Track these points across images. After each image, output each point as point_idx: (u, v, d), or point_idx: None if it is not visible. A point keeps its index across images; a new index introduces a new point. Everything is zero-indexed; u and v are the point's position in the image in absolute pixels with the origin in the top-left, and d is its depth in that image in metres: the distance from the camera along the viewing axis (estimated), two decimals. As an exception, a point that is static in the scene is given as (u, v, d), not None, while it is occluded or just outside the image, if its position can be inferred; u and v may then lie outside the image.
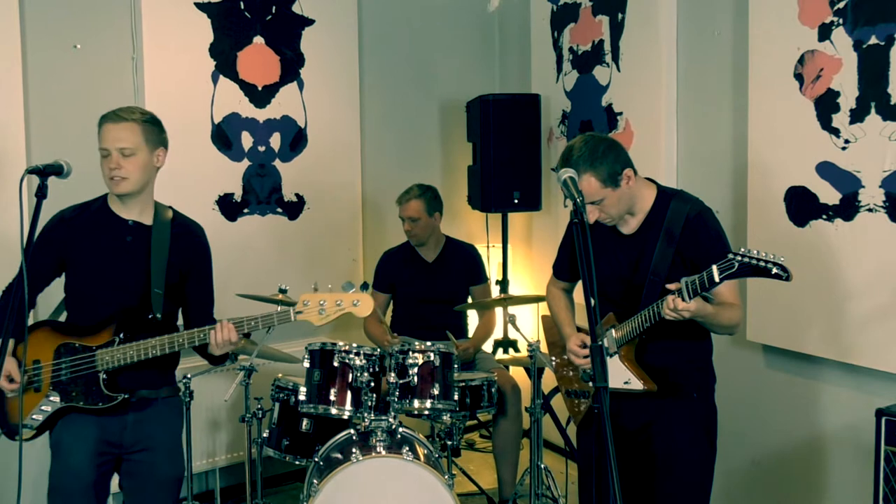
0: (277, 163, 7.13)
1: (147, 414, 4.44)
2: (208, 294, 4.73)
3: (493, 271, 7.93)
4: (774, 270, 3.60)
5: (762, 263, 3.60)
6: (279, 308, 4.37)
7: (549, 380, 6.44)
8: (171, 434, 4.59)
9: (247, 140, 6.96)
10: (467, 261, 6.98)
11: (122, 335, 4.29)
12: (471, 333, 6.99)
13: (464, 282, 6.94)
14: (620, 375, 4.24)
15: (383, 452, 5.06)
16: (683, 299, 3.79)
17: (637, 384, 4.25)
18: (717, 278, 3.68)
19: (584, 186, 4.04)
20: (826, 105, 5.11)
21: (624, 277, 4.32)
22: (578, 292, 4.39)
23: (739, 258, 3.63)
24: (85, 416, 4.31)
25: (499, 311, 7.16)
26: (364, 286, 4.44)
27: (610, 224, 4.29)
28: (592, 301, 3.38)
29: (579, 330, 4.63)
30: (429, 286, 6.83)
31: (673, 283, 3.88)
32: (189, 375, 5.76)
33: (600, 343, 3.33)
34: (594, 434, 3.61)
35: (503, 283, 7.81)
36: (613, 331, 4.30)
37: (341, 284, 4.38)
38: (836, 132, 5.06)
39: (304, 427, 5.60)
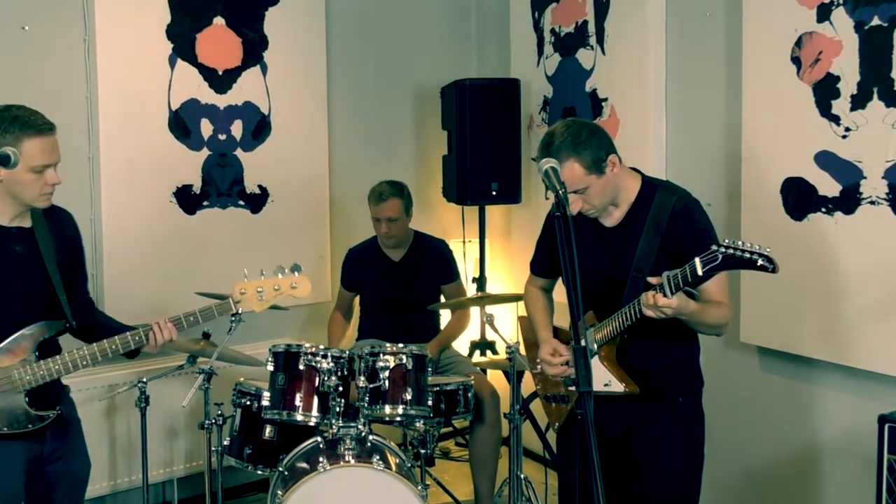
0: (239, 152, 7.07)
1: (61, 420, 4.37)
2: (85, 278, 4.68)
3: (469, 268, 7.89)
4: (760, 262, 3.56)
5: (747, 255, 3.56)
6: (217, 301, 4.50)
7: (528, 384, 6.40)
8: (80, 431, 4.58)
9: (206, 128, 6.90)
10: (437, 259, 6.91)
11: (37, 352, 4.20)
12: (444, 335, 6.93)
13: (434, 282, 6.88)
14: (601, 377, 4.20)
15: (352, 461, 5.05)
16: (665, 295, 3.74)
17: (618, 386, 4.21)
18: (700, 271, 3.63)
19: (566, 174, 3.98)
20: (825, 90, 5.09)
21: (605, 272, 4.28)
22: (559, 291, 4.37)
23: (723, 250, 3.59)
24: (6, 440, 4.21)
25: (475, 310, 7.12)
26: (295, 268, 4.56)
27: (593, 215, 4.25)
28: (575, 301, 3.34)
29: (558, 332, 4.60)
30: (396, 288, 6.77)
31: (655, 277, 3.84)
32: (145, 380, 5.73)
33: (584, 345, 3.30)
34: (576, 441, 3.56)
35: (480, 281, 7.76)
36: (593, 330, 4.25)
37: (273, 269, 4.51)
38: (835, 119, 5.04)
39: (267, 434, 5.58)
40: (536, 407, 6.44)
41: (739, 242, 3.59)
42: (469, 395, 5.88)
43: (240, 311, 4.51)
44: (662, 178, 4.44)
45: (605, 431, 4.23)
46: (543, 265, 4.77)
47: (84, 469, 4.58)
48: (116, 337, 4.31)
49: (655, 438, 4.29)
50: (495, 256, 8.19)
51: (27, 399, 4.17)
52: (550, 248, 4.64)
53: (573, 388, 4.39)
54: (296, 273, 4.54)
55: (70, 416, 4.48)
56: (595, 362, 4.21)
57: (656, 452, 4.29)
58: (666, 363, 4.31)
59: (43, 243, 4.28)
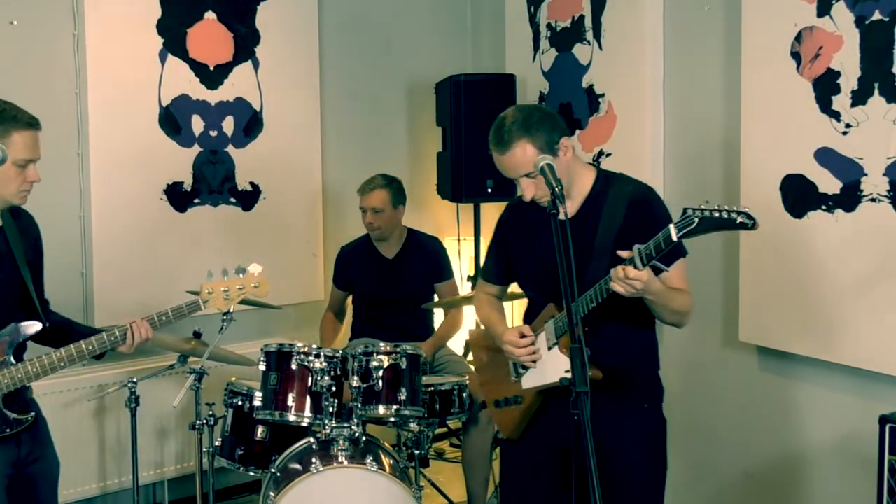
0: (231, 149, 7.05)
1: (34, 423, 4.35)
2: (42, 279, 4.60)
3: (464, 266, 7.88)
4: (739, 219, 3.51)
5: (724, 214, 3.52)
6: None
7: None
8: (47, 429, 4.53)
9: (197, 124, 6.88)
10: (430, 256, 6.90)
11: (12, 354, 4.16)
12: (437, 335, 6.91)
13: (428, 280, 6.86)
14: (561, 365, 3.99)
15: (345, 462, 5.05)
16: (636, 266, 3.67)
17: None
18: (674, 236, 3.56)
19: (518, 155, 3.98)
20: (825, 86, 5.07)
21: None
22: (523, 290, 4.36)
23: (699, 212, 3.55)
24: None
25: (469, 309, 7.10)
26: (254, 268, 4.70)
27: (546, 204, 4.03)
28: (569, 300, 3.31)
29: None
30: (389, 286, 6.76)
31: (625, 251, 3.75)
32: (135, 379, 5.71)
33: (580, 346, 3.27)
34: (572, 443, 3.46)
35: (475, 279, 7.74)
36: (553, 322, 4.16)
37: (234, 269, 4.68)
38: (836, 115, 5.02)
39: (259, 435, 5.56)
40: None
41: (715, 204, 3.56)
42: (464, 395, 5.86)
43: (205, 309, 4.62)
44: (618, 172, 4.37)
45: (565, 438, 4.13)
46: (498, 271, 4.67)
47: (57, 467, 4.55)
48: (93, 337, 4.28)
49: (622, 449, 4.17)
50: (490, 254, 8.16)
51: (2, 403, 4.15)
52: (505, 252, 4.57)
53: (517, 381, 4.33)
54: (255, 273, 4.68)
55: (38, 415, 4.45)
56: (555, 353, 4.13)
57: (623, 464, 4.16)
58: (628, 362, 4.20)
59: (14, 243, 4.26)
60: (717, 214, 3.50)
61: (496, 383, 4.56)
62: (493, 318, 4.62)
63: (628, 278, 3.69)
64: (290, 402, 5.24)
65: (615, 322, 4.10)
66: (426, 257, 6.85)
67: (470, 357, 7.43)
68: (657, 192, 4.24)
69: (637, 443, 4.21)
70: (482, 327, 4.94)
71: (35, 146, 4.12)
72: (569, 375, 3.87)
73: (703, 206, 3.53)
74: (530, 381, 4.26)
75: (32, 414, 4.26)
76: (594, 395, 3.85)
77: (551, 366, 4.10)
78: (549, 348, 4.15)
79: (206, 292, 4.58)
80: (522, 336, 4.24)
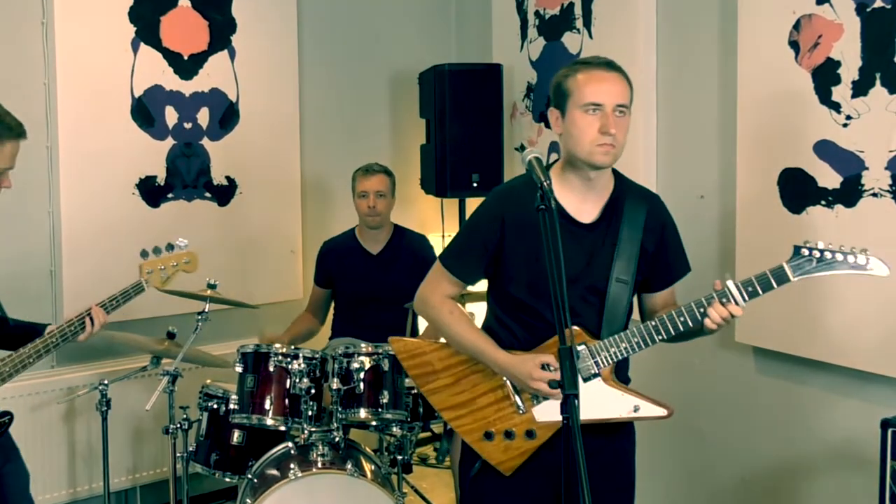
0: (206, 141, 7.02)
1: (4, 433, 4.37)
2: None
3: (448, 264, 7.86)
4: (871, 267, 3.48)
5: (851, 258, 3.47)
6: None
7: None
8: (13, 441, 4.56)
9: (171, 116, 6.84)
10: (416, 254, 6.83)
11: None
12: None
13: (413, 278, 6.80)
14: (623, 403, 3.84)
15: (325, 468, 5.03)
16: (737, 303, 3.62)
17: (653, 410, 3.86)
18: (792, 278, 3.56)
19: (622, 83, 3.88)
20: (825, 76, 5.05)
21: (578, 278, 3.87)
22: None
23: (818, 252, 3.51)
24: None
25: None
26: (183, 245, 5.08)
27: (609, 162, 3.84)
28: (562, 301, 3.24)
29: None
30: (373, 283, 6.72)
31: (717, 283, 3.69)
32: (106, 381, 5.69)
33: (569, 346, 3.19)
34: (561, 451, 3.34)
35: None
36: (586, 346, 3.86)
37: (165, 246, 5.04)
38: (836, 107, 5.00)
39: (235, 439, 5.56)
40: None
41: (829, 244, 3.53)
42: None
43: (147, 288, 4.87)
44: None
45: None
46: (477, 271, 4.16)
47: (27, 478, 4.59)
48: (55, 327, 4.41)
49: (626, 466, 4.16)
50: (476, 251, 8.14)
51: None
52: (494, 251, 4.04)
53: (524, 413, 3.95)
54: (183, 248, 5.01)
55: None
56: (595, 385, 3.85)
57: (627, 480, 4.16)
58: (628, 378, 4.11)
59: None
60: (840, 258, 3.47)
61: (477, 411, 4.09)
62: (478, 336, 4.08)
63: (733, 316, 3.67)
64: (268, 405, 5.24)
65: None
66: (412, 254, 6.81)
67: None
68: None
69: (632, 453, 4.20)
70: (419, 337, 4.72)
71: (16, 155, 4.23)
72: (641, 413, 3.83)
73: (821, 246, 3.51)
74: (550, 414, 3.87)
75: (9, 414, 4.27)
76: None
77: (590, 399, 3.80)
78: (586, 379, 3.84)
79: (146, 272, 4.82)
80: (545, 367, 3.83)
